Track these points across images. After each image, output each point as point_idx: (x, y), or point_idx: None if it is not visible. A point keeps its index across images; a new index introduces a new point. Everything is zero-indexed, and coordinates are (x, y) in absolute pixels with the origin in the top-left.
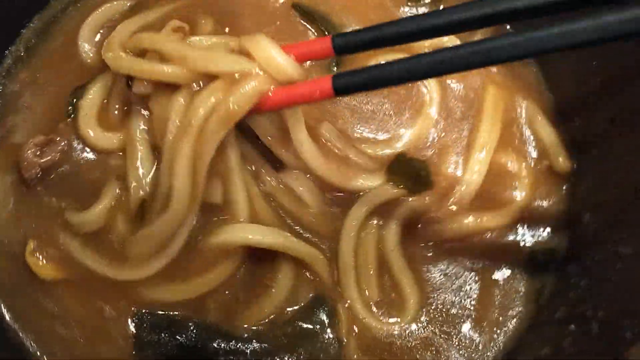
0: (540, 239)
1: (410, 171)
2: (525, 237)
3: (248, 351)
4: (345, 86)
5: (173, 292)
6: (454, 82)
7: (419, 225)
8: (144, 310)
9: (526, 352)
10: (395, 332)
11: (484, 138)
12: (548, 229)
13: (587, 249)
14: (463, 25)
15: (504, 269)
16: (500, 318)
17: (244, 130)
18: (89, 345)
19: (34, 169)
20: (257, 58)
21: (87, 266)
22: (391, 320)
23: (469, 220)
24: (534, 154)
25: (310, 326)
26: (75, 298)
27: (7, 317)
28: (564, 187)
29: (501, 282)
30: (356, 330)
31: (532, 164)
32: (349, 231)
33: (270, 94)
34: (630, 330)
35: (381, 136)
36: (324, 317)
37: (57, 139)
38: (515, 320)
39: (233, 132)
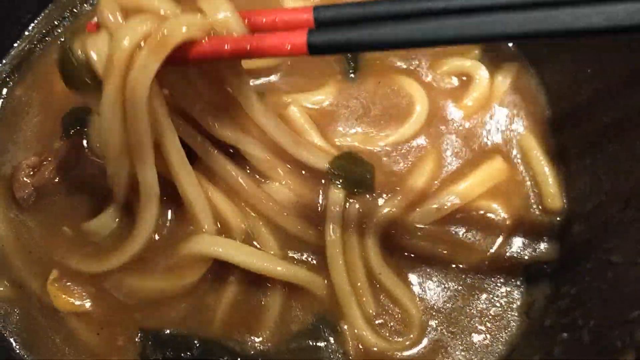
0: (531, 250)
1: (355, 169)
2: (516, 248)
3: None
4: (324, 45)
5: (152, 284)
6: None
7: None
8: (149, 330)
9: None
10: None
11: (468, 188)
12: (539, 240)
13: (578, 258)
14: None
15: (495, 280)
16: (493, 329)
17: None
18: None
19: (27, 189)
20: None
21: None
22: (398, 339)
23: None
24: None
25: (315, 343)
26: (86, 326)
27: (15, 344)
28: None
29: (492, 293)
30: (361, 348)
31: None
32: (335, 259)
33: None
34: (621, 339)
35: (352, 131)
36: (329, 334)
37: (49, 158)
38: (507, 330)
39: (169, 123)
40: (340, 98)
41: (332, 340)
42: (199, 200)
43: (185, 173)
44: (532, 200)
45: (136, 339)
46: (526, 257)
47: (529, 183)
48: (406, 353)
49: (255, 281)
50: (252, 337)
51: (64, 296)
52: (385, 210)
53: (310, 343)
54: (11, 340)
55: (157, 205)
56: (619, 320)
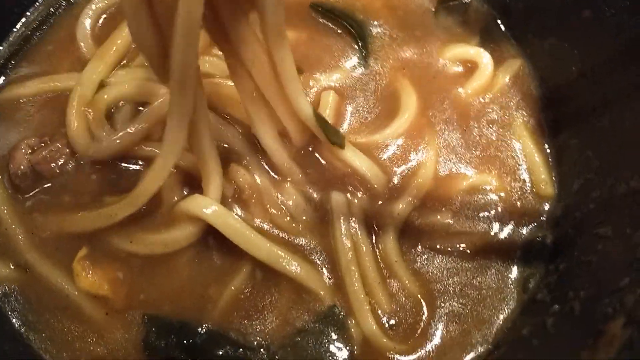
0: (526, 230)
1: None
2: (512, 230)
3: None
4: None
5: (141, 243)
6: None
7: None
8: (154, 316)
9: (510, 334)
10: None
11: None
12: (533, 222)
13: (569, 235)
14: None
15: (494, 260)
16: (494, 304)
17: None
18: (104, 353)
19: (22, 165)
20: None
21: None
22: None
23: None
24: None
25: (320, 339)
26: (96, 307)
27: (17, 324)
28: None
29: (492, 272)
30: (368, 348)
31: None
32: (345, 253)
33: None
34: (611, 306)
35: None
36: (335, 331)
37: (49, 141)
38: (505, 305)
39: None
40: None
41: (338, 337)
42: (211, 158)
43: (207, 130)
44: (527, 186)
45: (141, 324)
46: (521, 238)
47: (523, 169)
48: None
49: (265, 275)
50: (256, 329)
51: (89, 275)
52: (396, 207)
53: (315, 338)
54: (14, 320)
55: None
56: (609, 289)
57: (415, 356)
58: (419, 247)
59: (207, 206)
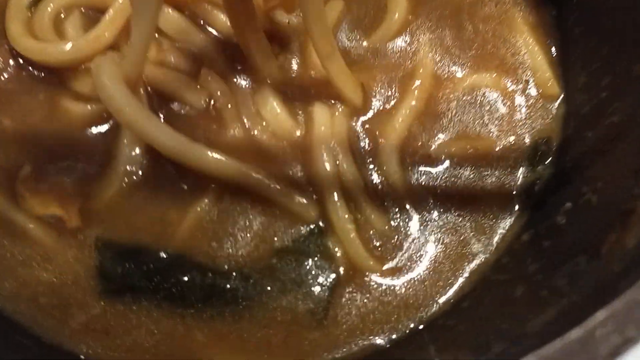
0: (533, 130)
1: None
2: (520, 130)
3: (227, 285)
4: None
5: None
6: None
7: None
8: (108, 240)
9: (516, 241)
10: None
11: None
12: (540, 121)
13: (578, 129)
14: None
15: (500, 160)
16: (499, 207)
17: None
18: (52, 279)
19: None
20: None
21: None
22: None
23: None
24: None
25: (299, 260)
26: (45, 231)
27: None
28: None
29: (494, 181)
30: (354, 271)
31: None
32: (325, 169)
33: None
34: (637, 187)
35: None
36: (315, 250)
37: None
38: (509, 216)
39: None
40: None
41: (319, 258)
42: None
43: None
44: (530, 85)
45: (94, 249)
46: (525, 141)
47: (525, 68)
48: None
49: (235, 197)
50: (227, 252)
51: (34, 195)
52: (398, 116)
53: (294, 260)
54: None
55: None
56: (631, 171)
57: (408, 276)
58: (417, 156)
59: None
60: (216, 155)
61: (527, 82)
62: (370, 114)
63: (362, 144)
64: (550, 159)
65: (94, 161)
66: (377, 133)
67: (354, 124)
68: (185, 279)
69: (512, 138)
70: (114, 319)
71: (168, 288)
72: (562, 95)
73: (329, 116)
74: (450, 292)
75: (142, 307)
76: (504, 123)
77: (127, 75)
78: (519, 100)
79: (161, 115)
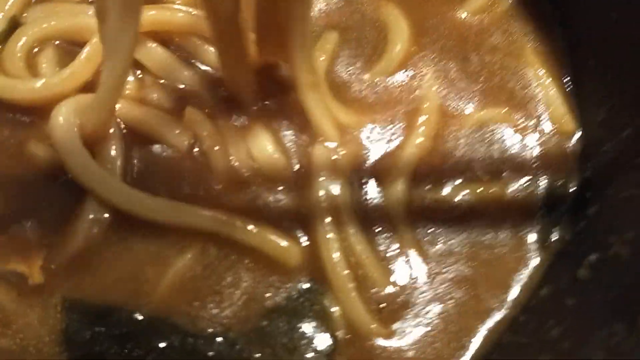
0: (546, 173)
1: None
2: (533, 176)
3: (210, 352)
4: None
5: None
6: None
7: None
8: (76, 300)
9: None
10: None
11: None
12: (556, 165)
13: (599, 171)
14: None
15: (508, 214)
16: (508, 271)
17: None
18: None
19: None
20: None
21: None
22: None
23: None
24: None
25: (292, 322)
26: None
27: None
28: None
29: (506, 229)
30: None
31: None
32: (322, 218)
33: None
34: None
35: None
36: (310, 312)
37: None
38: (524, 268)
39: None
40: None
41: (315, 321)
42: None
43: None
44: (544, 122)
45: (60, 310)
46: (539, 184)
47: (537, 102)
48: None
49: (221, 251)
50: (210, 313)
51: None
52: (406, 151)
53: (286, 322)
54: None
55: None
56: None
57: (416, 338)
58: (425, 201)
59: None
60: (185, 210)
61: (539, 117)
62: (372, 155)
63: (364, 189)
64: (568, 203)
65: (60, 212)
66: (381, 176)
67: (354, 167)
68: (162, 345)
69: (525, 180)
70: None
71: (142, 356)
72: (580, 132)
73: (329, 159)
74: (466, 356)
75: None
76: (517, 163)
77: (95, 120)
78: (532, 137)
79: (136, 159)
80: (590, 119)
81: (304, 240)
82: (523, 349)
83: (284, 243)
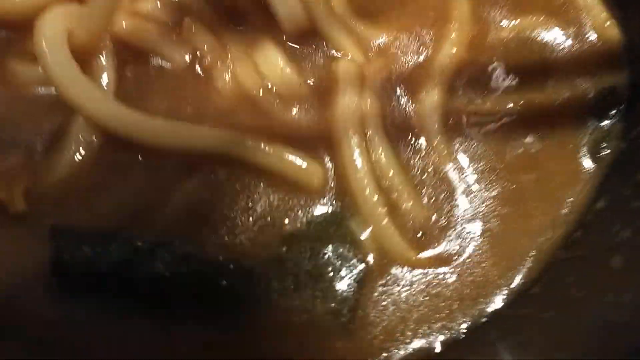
0: (592, 81)
1: None
2: (573, 82)
3: (223, 281)
4: None
5: None
6: None
7: None
8: (64, 227)
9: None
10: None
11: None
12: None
13: None
14: None
15: (555, 124)
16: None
17: None
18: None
19: None
20: None
21: None
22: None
23: None
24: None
25: (315, 246)
26: None
27: None
28: None
29: (554, 141)
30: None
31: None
32: (349, 138)
33: None
34: None
35: None
36: (337, 237)
37: None
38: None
39: None
40: None
41: (340, 244)
42: None
43: None
44: (585, 28)
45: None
46: (586, 92)
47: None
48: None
49: (232, 174)
50: (222, 240)
51: None
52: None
53: (309, 248)
54: None
55: None
56: None
57: (459, 261)
58: (464, 117)
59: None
60: (188, 130)
61: (580, 24)
62: (402, 67)
63: (394, 103)
64: (618, 111)
65: (45, 133)
66: (413, 88)
67: (383, 81)
68: (167, 274)
69: (571, 89)
70: (74, 326)
71: (144, 285)
72: (624, 39)
73: (355, 74)
74: (517, 277)
75: (110, 310)
76: (560, 71)
77: (86, 31)
78: (574, 45)
79: (131, 78)
80: (634, 24)
81: (327, 161)
82: (582, 260)
83: (303, 163)
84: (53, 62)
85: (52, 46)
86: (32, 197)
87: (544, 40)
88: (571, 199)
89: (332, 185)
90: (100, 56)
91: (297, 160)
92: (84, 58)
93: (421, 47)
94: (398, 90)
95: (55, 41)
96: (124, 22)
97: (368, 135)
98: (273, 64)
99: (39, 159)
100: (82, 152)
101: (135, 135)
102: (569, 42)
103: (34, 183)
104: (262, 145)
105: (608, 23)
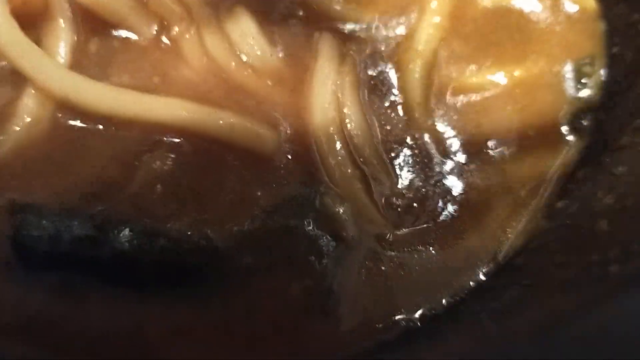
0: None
1: None
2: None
3: (192, 259)
4: None
5: None
6: None
7: None
8: (24, 203)
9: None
10: None
11: None
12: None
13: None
14: None
15: (540, 95)
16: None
17: None
18: None
19: None
20: None
21: None
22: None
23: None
24: None
25: (290, 222)
26: None
27: None
28: None
29: (539, 111)
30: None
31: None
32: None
33: None
34: None
35: None
36: (311, 209)
37: None
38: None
39: None
40: None
41: (316, 220)
42: None
43: None
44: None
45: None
46: (570, 59)
47: None
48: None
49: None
50: (192, 216)
51: None
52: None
53: (283, 224)
54: None
55: None
56: None
57: (441, 233)
58: (446, 87)
59: None
60: (145, 100)
61: None
62: (386, 41)
63: (375, 81)
64: (596, 81)
65: None
66: (395, 63)
67: (365, 55)
68: (132, 251)
69: (550, 59)
70: (38, 306)
71: (108, 263)
72: (601, 9)
73: (337, 49)
74: (498, 249)
75: (72, 289)
76: (539, 42)
77: None
78: (552, 16)
79: (94, 48)
80: None
81: (291, 131)
82: (565, 229)
83: (260, 130)
84: None
85: None
86: None
87: (523, 11)
88: (552, 169)
89: (296, 156)
90: (57, 21)
91: (252, 127)
92: (33, 21)
93: (404, 20)
94: (383, 62)
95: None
96: None
97: (345, 109)
98: (245, 34)
99: None
100: (35, 122)
101: (90, 105)
102: (547, 13)
103: None
104: (221, 115)
105: None
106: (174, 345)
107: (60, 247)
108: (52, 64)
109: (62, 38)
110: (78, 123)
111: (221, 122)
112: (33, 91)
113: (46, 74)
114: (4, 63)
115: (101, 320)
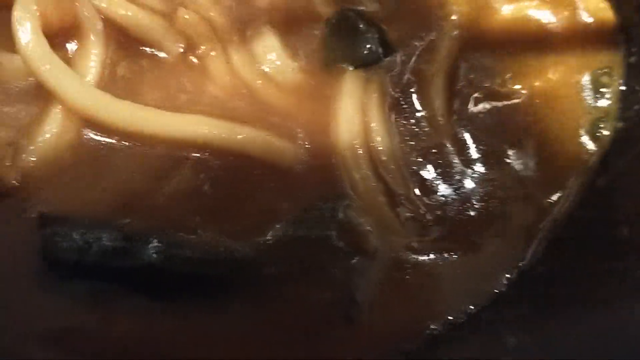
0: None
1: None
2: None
3: (216, 269)
4: None
5: None
6: None
7: None
8: (53, 214)
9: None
10: None
11: None
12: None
13: None
14: None
15: (559, 105)
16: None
17: None
18: None
19: None
20: None
21: None
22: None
23: None
24: None
25: (313, 233)
26: None
27: None
28: None
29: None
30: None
31: None
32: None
33: None
34: None
35: None
36: (334, 222)
37: None
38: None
39: None
40: None
41: (340, 233)
42: None
43: None
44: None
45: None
46: (587, 71)
47: None
48: None
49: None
50: (216, 227)
51: None
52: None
53: (307, 235)
54: None
55: None
56: None
57: (462, 245)
58: (466, 98)
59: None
60: (168, 118)
61: (575, 8)
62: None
63: (398, 94)
64: (614, 90)
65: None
66: (418, 76)
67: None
68: (159, 262)
69: (569, 70)
70: (69, 316)
71: (136, 274)
72: (618, 20)
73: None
74: (520, 258)
75: (100, 299)
76: (558, 53)
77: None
78: (569, 27)
79: (122, 66)
80: (627, 5)
81: (316, 144)
82: (587, 237)
83: (281, 143)
84: (26, 47)
85: (24, 29)
86: (20, 185)
87: (541, 22)
88: (572, 178)
89: (320, 169)
90: (89, 39)
91: (272, 140)
92: (65, 37)
93: (425, 33)
94: (404, 76)
95: (26, 23)
96: (117, 9)
97: (372, 123)
98: (270, 51)
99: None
100: (62, 137)
101: (114, 124)
102: (565, 24)
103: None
104: (243, 130)
105: (602, 5)
106: (199, 355)
107: (89, 258)
108: (79, 82)
109: (92, 55)
110: (104, 139)
111: (241, 136)
112: (60, 107)
113: (72, 93)
114: (31, 78)
115: (130, 330)
